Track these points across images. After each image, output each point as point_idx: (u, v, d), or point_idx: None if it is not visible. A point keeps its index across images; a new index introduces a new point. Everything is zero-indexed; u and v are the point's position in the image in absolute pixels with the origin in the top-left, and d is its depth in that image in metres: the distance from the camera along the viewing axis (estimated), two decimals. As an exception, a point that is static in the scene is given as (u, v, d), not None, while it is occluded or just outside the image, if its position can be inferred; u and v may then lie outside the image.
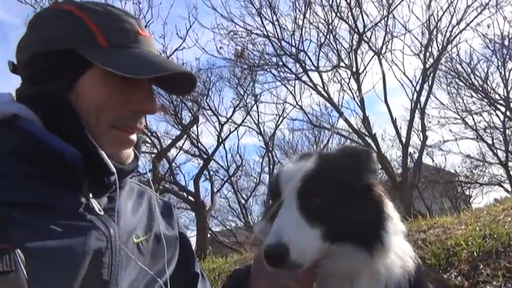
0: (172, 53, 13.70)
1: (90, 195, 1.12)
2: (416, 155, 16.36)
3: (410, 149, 16.37)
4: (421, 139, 15.87)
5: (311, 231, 1.07)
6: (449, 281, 3.06)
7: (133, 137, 1.20)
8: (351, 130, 16.10)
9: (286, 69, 16.02)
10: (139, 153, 1.30)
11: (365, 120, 15.21)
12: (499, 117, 17.79)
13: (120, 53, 1.12)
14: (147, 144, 14.62)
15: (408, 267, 1.20)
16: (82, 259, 1.00)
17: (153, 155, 14.45)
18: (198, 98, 16.32)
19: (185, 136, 15.78)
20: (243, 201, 19.46)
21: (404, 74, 15.91)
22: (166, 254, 1.30)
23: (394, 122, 15.72)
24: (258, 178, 20.40)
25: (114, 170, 1.10)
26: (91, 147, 1.08)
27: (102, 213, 1.11)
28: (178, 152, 17.08)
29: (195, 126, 16.41)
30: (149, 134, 14.61)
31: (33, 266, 0.92)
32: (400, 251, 1.22)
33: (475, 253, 3.29)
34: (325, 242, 1.09)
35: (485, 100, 17.16)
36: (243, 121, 18.20)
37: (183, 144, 16.78)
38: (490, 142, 18.46)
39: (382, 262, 1.15)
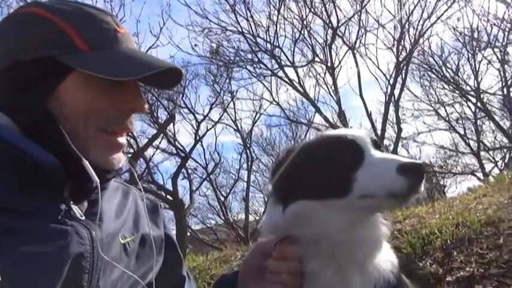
0: (147, 51, 13.51)
1: (71, 201, 1.09)
2: (391, 147, 16.63)
3: (386, 142, 16.65)
4: (396, 131, 16.18)
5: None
6: (425, 268, 3.13)
7: (123, 140, 1.17)
8: (327, 124, 16.25)
9: (262, 66, 16.08)
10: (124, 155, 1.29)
11: (341, 114, 15.38)
12: (470, 108, 18.26)
13: (102, 54, 1.08)
14: (123, 144, 14.39)
15: (394, 261, 1.22)
16: (62, 264, 0.98)
17: (130, 155, 14.27)
18: (174, 96, 16.20)
19: (162, 135, 15.65)
20: (222, 199, 19.41)
21: (378, 67, 16.16)
22: (152, 254, 1.29)
23: (369, 115, 15.96)
24: (237, 175, 20.38)
25: (97, 180, 1.07)
26: (75, 157, 1.04)
27: (83, 218, 1.09)
28: (155, 151, 16.95)
29: (172, 124, 16.29)
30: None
31: (11, 272, 0.90)
32: (385, 246, 1.23)
33: (448, 241, 3.38)
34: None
35: (457, 92, 17.56)
36: (220, 118, 18.16)
37: (160, 143, 16.65)
38: (462, 133, 18.93)
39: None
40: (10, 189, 1.00)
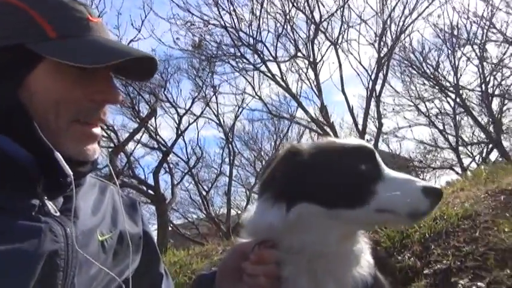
0: (128, 44, 13.32)
1: (45, 197, 1.06)
2: (372, 142, 16.81)
3: (367, 137, 16.81)
4: (377, 126, 16.34)
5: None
6: (403, 262, 3.18)
7: (98, 130, 1.15)
8: (309, 119, 16.32)
9: (245, 60, 16.00)
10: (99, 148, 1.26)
11: (323, 109, 15.46)
12: (449, 104, 18.55)
13: (72, 42, 1.06)
14: (103, 138, 14.24)
15: (370, 261, 1.23)
16: (35, 263, 0.96)
17: (111, 149, 14.10)
18: (156, 89, 16.05)
19: (143, 129, 15.50)
20: (204, 193, 19.36)
21: (360, 63, 16.27)
22: (129, 252, 1.26)
23: (351, 110, 16.10)
24: (219, 169, 20.35)
25: (70, 173, 1.05)
26: (46, 150, 1.02)
27: (58, 214, 1.06)
28: (137, 146, 16.78)
29: (153, 118, 16.16)
30: (105, 127, 14.23)
31: None
32: (364, 245, 1.24)
33: (426, 234, 3.44)
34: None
35: (437, 87, 17.81)
36: (202, 113, 18.07)
37: (141, 137, 16.50)
38: (441, 128, 19.25)
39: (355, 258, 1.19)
40: None
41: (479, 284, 2.63)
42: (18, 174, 1.02)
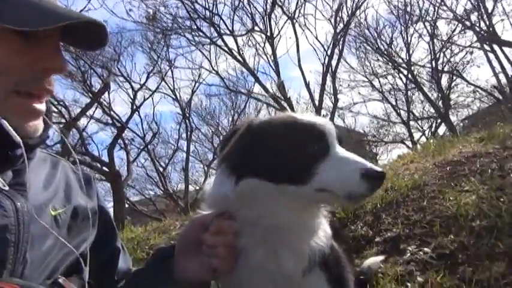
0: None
1: None
2: (328, 117, 17.13)
3: (323, 112, 17.13)
4: (333, 102, 16.66)
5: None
6: (356, 231, 3.30)
7: (41, 106, 1.09)
8: (266, 94, 16.37)
9: (201, 34, 15.76)
10: (51, 122, 1.21)
11: (280, 84, 15.53)
12: (401, 80, 19.16)
13: (9, 3, 0.99)
14: (54, 114, 13.67)
15: (328, 232, 1.28)
16: None
17: (62, 125, 13.58)
18: (109, 63, 15.52)
19: (96, 104, 15.00)
20: (161, 169, 19.16)
21: (316, 38, 16.43)
22: (85, 227, 1.25)
23: (307, 85, 16.28)
24: (176, 145, 20.16)
25: (19, 140, 1.01)
26: None
27: (7, 188, 1.02)
28: (89, 121, 16.26)
29: (106, 93, 15.66)
30: (55, 102, 13.67)
31: None
32: (322, 217, 1.29)
33: (378, 205, 3.56)
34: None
35: (390, 64, 18.30)
36: (157, 87, 17.74)
37: (94, 112, 15.99)
38: (394, 103, 19.88)
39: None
40: None
41: (425, 249, 2.77)
42: None
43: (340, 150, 1.19)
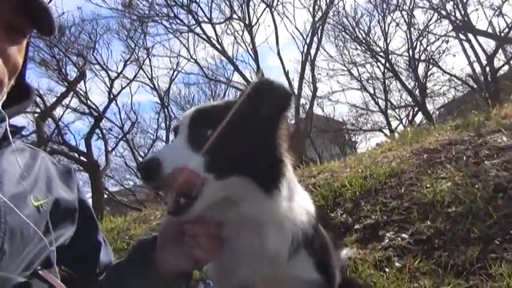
0: (50, 1, 12.36)
1: None
2: (307, 106, 17.20)
3: (302, 100, 17.18)
4: (312, 90, 16.71)
5: (193, 155, 1.09)
6: (336, 218, 3.35)
7: None
8: (246, 83, 16.31)
9: (178, 21, 15.53)
10: (24, 108, 1.20)
11: (259, 72, 15.49)
12: (379, 69, 19.32)
13: None
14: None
15: (312, 215, 1.31)
16: None
17: (36, 115, 13.26)
18: (84, 51, 15.17)
19: (72, 93, 14.69)
20: (140, 159, 18.95)
21: (295, 27, 16.40)
22: (65, 220, 1.24)
23: (286, 74, 16.26)
24: (155, 134, 19.96)
25: None
26: None
27: None
28: (65, 111, 15.92)
29: (82, 82, 15.33)
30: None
31: None
32: (301, 200, 1.31)
33: (357, 192, 3.62)
34: (210, 172, 1.09)
35: (368, 52, 18.42)
36: (135, 76, 17.45)
37: (70, 101, 15.65)
38: (372, 92, 20.06)
39: (285, 211, 1.21)
40: None
41: (403, 235, 2.84)
42: None
43: (174, 142, 1.19)
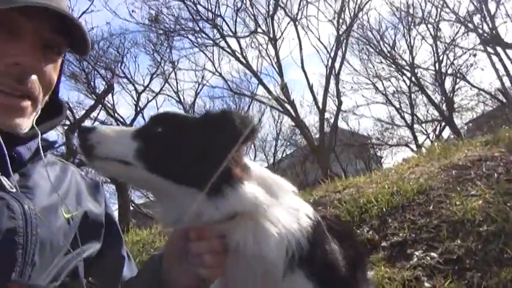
0: (80, 16, 12.74)
1: None
2: (332, 120, 17.12)
3: (327, 114, 17.12)
4: (336, 104, 16.62)
5: (128, 140, 1.12)
6: (362, 235, 3.29)
7: (19, 102, 1.08)
8: (270, 97, 16.38)
9: (204, 35, 15.77)
10: (56, 124, 1.23)
11: (283, 86, 15.53)
12: (405, 82, 19.12)
13: None
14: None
15: (303, 223, 1.20)
16: None
17: (66, 127, 13.61)
18: (112, 64, 15.57)
19: (100, 106, 15.04)
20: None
21: (319, 40, 16.41)
22: (93, 233, 1.26)
23: (311, 88, 16.26)
24: (180, 147, 20.12)
25: None
26: None
27: (14, 190, 1.03)
28: (94, 123, 16.26)
29: (110, 95, 15.70)
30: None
31: None
32: (292, 209, 1.21)
33: (384, 209, 3.55)
34: (138, 160, 1.10)
35: (393, 66, 18.27)
36: (161, 89, 17.79)
37: (98, 114, 16.03)
38: (397, 106, 19.83)
39: (267, 217, 1.14)
40: None
41: (432, 254, 2.77)
42: None
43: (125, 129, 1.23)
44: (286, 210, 1.20)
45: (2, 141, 1.02)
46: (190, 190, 1.09)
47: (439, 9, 16.36)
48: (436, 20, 16.67)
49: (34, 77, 1.09)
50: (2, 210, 0.98)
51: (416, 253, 2.86)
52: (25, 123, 1.11)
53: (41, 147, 1.15)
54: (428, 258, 2.76)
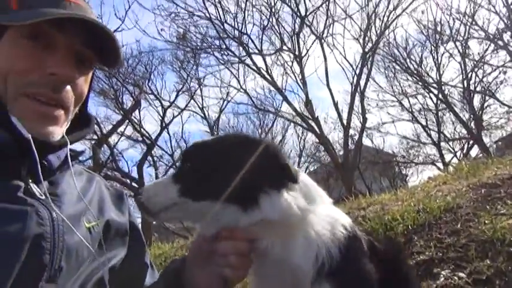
0: (112, 34, 13.14)
1: (29, 180, 1.06)
2: (356, 137, 16.97)
3: (351, 131, 16.99)
4: (361, 121, 16.50)
5: (170, 186, 1.21)
6: (387, 253, 3.22)
7: (50, 111, 1.11)
8: (294, 113, 16.38)
9: (230, 52, 15.98)
10: (85, 135, 1.27)
11: (308, 103, 15.52)
12: (432, 100, 18.84)
13: (27, 12, 1.05)
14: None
15: (337, 233, 1.19)
16: (20, 245, 0.96)
17: (94, 141, 13.93)
18: (140, 81, 15.91)
19: (127, 121, 15.35)
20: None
21: (345, 57, 16.41)
22: (117, 242, 1.28)
23: (335, 105, 16.20)
24: (204, 163, 20.27)
25: (28, 135, 1.03)
26: (1, 115, 1.02)
27: (43, 197, 1.06)
28: (120, 138, 16.64)
29: (137, 110, 16.02)
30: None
31: None
32: (329, 218, 1.22)
33: (409, 226, 3.48)
34: (183, 197, 1.18)
35: (420, 83, 18.04)
36: (186, 105, 18.04)
37: (125, 129, 16.36)
38: (424, 123, 19.51)
39: (299, 221, 1.16)
40: None
41: (460, 274, 2.68)
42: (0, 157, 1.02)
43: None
44: (322, 219, 1.21)
45: (35, 149, 1.05)
46: (230, 206, 1.15)
47: (467, 27, 16.18)
48: (465, 37, 16.46)
49: (68, 87, 1.13)
50: (31, 216, 1.00)
51: (443, 272, 2.77)
52: (57, 132, 1.14)
53: (69, 156, 1.18)
54: (456, 278, 2.67)
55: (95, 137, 14.43)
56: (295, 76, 16.28)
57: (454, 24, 16.34)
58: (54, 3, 1.09)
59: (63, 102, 1.13)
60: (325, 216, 1.22)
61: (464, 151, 19.60)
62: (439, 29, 16.75)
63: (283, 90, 16.31)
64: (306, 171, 22.64)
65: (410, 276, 1.45)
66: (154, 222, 15.95)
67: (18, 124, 1.03)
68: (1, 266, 0.93)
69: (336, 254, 1.15)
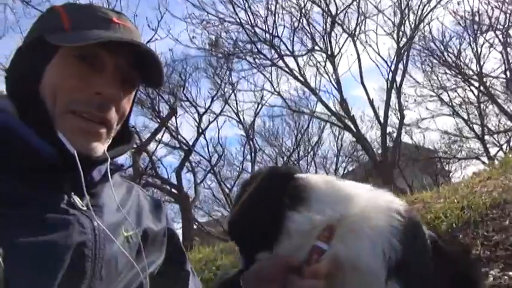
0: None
1: (72, 192, 1.09)
2: (395, 134, 16.59)
3: (389, 129, 16.63)
4: (399, 118, 16.13)
5: None
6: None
7: (95, 128, 1.14)
8: (329, 113, 16.21)
9: (262, 56, 16.00)
10: (124, 151, 1.29)
11: (343, 102, 15.33)
12: (473, 93, 18.15)
13: (78, 33, 1.09)
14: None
15: (392, 218, 1.10)
16: (64, 253, 0.98)
17: (133, 150, 14.30)
18: (175, 89, 16.21)
19: (164, 129, 15.66)
20: (227, 191, 19.45)
21: (378, 54, 16.09)
22: (154, 249, 1.29)
23: (371, 102, 15.91)
24: (241, 167, 20.44)
25: (73, 150, 1.05)
26: (50, 131, 1.04)
27: (85, 208, 1.09)
28: (158, 145, 16.97)
29: (174, 118, 16.30)
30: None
31: (12, 261, 0.90)
32: (379, 203, 1.15)
33: (454, 224, 3.37)
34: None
35: (459, 76, 17.45)
36: (221, 110, 18.17)
37: (162, 137, 16.68)
38: (465, 117, 18.84)
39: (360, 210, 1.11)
40: (12, 179, 0.99)
41: (510, 273, 2.56)
42: (45, 168, 1.05)
43: None
44: (369, 210, 1.12)
45: (79, 164, 1.09)
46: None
47: (508, 15, 15.53)
48: (506, 26, 15.80)
49: (113, 107, 1.16)
50: (74, 224, 1.03)
51: (493, 272, 2.66)
52: (100, 148, 1.16)
53: (109, 170, 1.21)
54: (506, 278, 2.56)
55: (134, 145, 14.83)
56: (328, 76, 16.12)
57: (493, 13, 15.73)
58: (104, 25, 1.12)
59: (107, 120, 1.15)
60: (374, 207, 1.13)
61: (511, 144, 18.79)
62: (477, 19, 16.17)
63: (317, 91, 16.19)
64: (344, 171, 22.38)
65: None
66: (194, 227, 16.20)
67: (64, 140, 1.06)
68: (47, 274, 0.95)
69: (396, 245, 1.05)
